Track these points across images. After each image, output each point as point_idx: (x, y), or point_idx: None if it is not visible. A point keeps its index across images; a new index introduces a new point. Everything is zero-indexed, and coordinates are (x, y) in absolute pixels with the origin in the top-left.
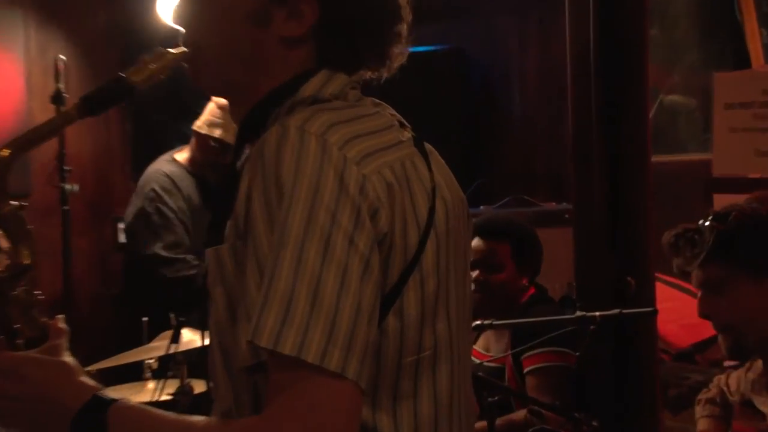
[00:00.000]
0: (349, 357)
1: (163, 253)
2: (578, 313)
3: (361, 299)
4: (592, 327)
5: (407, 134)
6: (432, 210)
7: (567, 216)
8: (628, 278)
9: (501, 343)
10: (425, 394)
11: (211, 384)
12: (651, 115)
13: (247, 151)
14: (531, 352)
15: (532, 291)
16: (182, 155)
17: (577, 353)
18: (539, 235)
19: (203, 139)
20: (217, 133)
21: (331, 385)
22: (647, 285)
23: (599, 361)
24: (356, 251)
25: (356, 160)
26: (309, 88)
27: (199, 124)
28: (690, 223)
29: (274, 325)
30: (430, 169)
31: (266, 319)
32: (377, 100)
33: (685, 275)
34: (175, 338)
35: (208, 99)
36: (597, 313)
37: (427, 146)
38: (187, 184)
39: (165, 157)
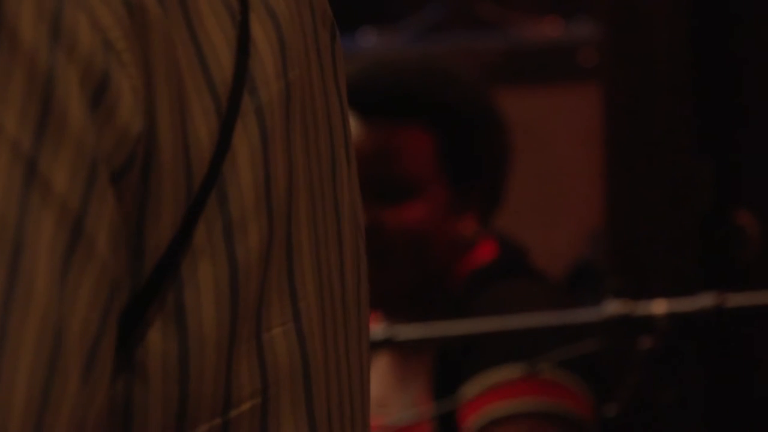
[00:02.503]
0: None
1: None
2: (610, 306)
3: (64, 316)
4: (646, 339)
5: None
6: (243, 46)
7: (584, 61)
8: (737, 214)
9: (412, 384)
10: None
11: None
12: None
13: None
14: (487, 385)
15: (489, 250)
16: None
17: (605, 400)
18: (509, 106)
19: None
20: None
21: None
22: None
23: (670, 423)
24: (46, 197)
25: None
26: None
27: None
28: None
29: None
30: None
31: None
32: None
33: None
34: None
35: None
36: (661, 307)
37: None
38: None
39: None
